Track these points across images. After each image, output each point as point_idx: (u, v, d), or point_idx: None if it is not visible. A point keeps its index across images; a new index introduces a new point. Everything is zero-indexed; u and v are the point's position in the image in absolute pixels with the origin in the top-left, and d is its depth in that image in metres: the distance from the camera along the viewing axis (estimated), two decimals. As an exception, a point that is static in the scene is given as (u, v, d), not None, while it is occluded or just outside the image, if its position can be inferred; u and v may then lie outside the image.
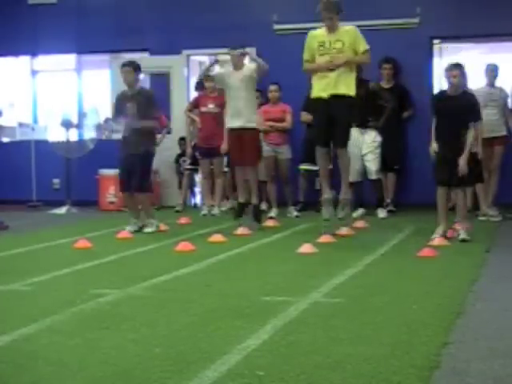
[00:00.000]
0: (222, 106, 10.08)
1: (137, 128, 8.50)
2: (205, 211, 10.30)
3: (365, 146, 9.96)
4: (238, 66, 8.75)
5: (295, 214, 10.03)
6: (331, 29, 7.62)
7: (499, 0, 10.74)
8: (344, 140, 7.69)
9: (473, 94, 8.01)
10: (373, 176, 10.02)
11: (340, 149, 7.75)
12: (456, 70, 7.55)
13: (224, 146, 9.83)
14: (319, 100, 7.67)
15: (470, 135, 7.41)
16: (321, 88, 7.66)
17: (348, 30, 7.66)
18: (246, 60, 9.02)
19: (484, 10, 10.66)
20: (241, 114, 8.55)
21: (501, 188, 9.73)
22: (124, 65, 8.76)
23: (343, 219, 7.90)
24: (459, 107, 7.40)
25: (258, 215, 8.73)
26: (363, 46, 7.61)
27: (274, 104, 10.30)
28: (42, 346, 3.79)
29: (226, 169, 11.14)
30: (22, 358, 3.58)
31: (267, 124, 10.17)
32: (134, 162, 8.43)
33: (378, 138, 9.98)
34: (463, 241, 7.31)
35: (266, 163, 10.24)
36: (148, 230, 8.50)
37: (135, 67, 8.71)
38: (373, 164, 9.97)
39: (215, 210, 10.34)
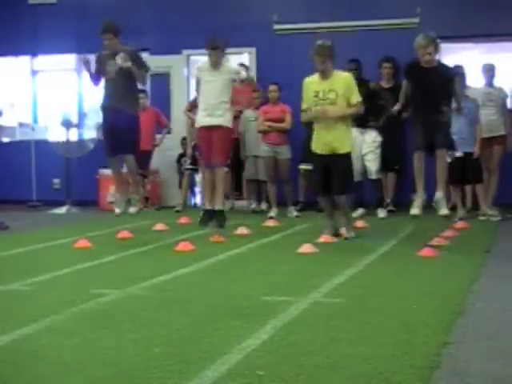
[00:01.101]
0: None
1: (122, 81, 8.30)
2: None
3: (365, 145, 9.97)
4: (216, 64, 8.17)
5: (295, 213, 10.04)
6: (324, 74, 7.40)
7: (499, 0, 10.75)
8: (341, 189, 7.48)
9: (447, 65, 8.00)
10: (373, 176, 10.03)
11: (337, 196, 7.52)
12: (431, 46, 7.59)
13: None
14: (317, 155, 7.58)
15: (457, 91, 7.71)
16: (318, 146, 7.53)
17: (343, 78, 7.46)
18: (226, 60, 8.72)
19: (484, 10, 10.67)
20: (214, 111, 8.11)
21: (501, 188, 9.74)
22: (103, 32, 8.66)
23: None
24: (435, 81, 7.41)
25: (221, 221, 8.14)
26: (355, 97, 7.44)
27: (273, 104, 10.31)
28: (41, 346, 3.79)
29: (225, 169, 11.16)
30: (22, 357, 3.58)
31: (266, 124, 10.18)
32: (118, 118, 8.24)
33: (379, 138, 9.98)
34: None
35: (266, 163, 10.25)
36: (132, 209, 8.44)
37: (114, 32, 8.67)
38: (373, 164, 9.97)
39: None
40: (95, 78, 8.73)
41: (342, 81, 7.41)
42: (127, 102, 8.36)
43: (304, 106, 7.66)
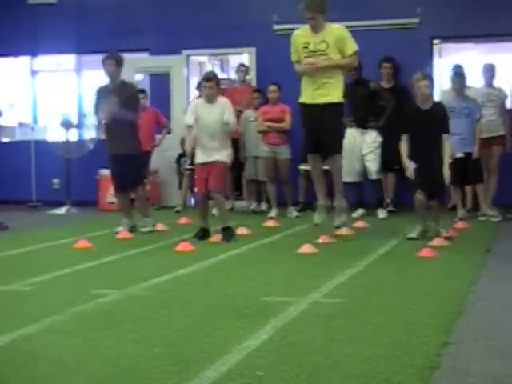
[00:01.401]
0: None
1: (120, 123, 8.20)
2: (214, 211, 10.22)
3: (365, 146, 9.96)
4: (211, 98, 7.75)
5: (295, 214, 10.03)
6: (315, 29, 7.28)
7: (499, 0, 10.75)
8: (334, 148, 7.41)
9: (443, 104, 7.88)
10: (373, 176, 10.02)
11: (331, 156, 7.45)
12: (425, 80, 7.43)
13: None
14: (307, 106, 7.43)
15: (447, 147, 7.46)
16: (308, 95, 7.40)
17: (334, 29, 7.31)
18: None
19: (484, 10, 10.67)
20: (212, 150, 7.74)
21: (501, 188, 9.73)
22: (107, 57, 8.55)
23: (340, 227, 7.76)
24: (433, 120, 7.41)
25: (230, 235, 7.71)
26: (351, 47, 7.29)
27: (273, 104, 10.30)
28: (41, 346, 3.79)
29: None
30: (22, 358, 3.58)
31: (266, 124, 10.18)
32: (123, 162, 8.27)
33: (379, 139, 9.97)
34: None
35: (266, 164, 10.25)
36: (145, 229, 8.46)
37: (118, 60, 8.52)
38: (373, 164, 9.96)
39: (215, 210, 10.35)
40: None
41: (334, 32, 7.25)
42: (129, 143, 8.33)
43: (293, 57, 7.49)
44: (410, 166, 7.40)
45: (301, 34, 7.42)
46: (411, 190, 7.65)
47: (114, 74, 8.51)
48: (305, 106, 7.45)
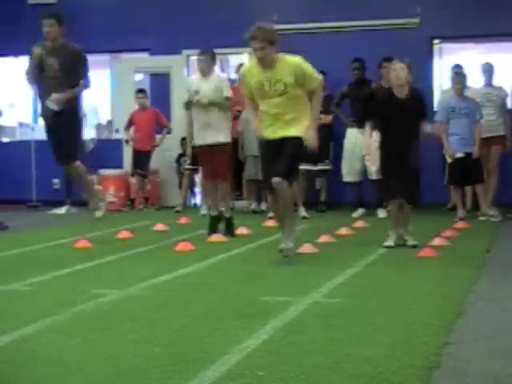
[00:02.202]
0: None
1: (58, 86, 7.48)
2: (204, 211, 10.26)
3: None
4: (206, 72, 7.94)
5: (303, 214, 9.93)
6: (264, 62, 6.16)
7: (499, 0, 10.75)
8: (281, 170, 6.08)
9: (419, 92, 7.15)
10: (373, 176, 10.01)
11: (276, 180, 6.08)
12: (401, 63, 6.93)
13: None
14: (265, 140, 6.37)
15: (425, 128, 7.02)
16: (267, 129, 6.32)
17: (289, 64, 6.14)
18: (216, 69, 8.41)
19: (484, 10, 10.67)
20: (211, 128, 7.84)
21: (501, 188, 9.73)
22: (46, 17, 7.90)
23: (285, 253, 6.35)
24: (409, 113, 6.84)
25: (231, 228, 7.97)
26: (314, 80, 6.22)
27: (273, 104, 10.28)
28: (41, 346, 3.79)
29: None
30: (22, 357, 3.58)
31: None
32: (57, 128, 7.65)
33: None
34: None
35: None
36: (98, 214, 7.84)
37: (59, 20, 7.90)
38: (374, 166, 9.93)
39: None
40: (30, 78, 7.87)
41: (289, 67, 6.11)
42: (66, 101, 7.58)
43: (245, 91, 6.56)
44: (373, 158, 7.11)
45: (252, 70, 6.37)
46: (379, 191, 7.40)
47: (55, 35, 7.86)
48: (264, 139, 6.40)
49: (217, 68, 8.37)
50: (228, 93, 8.00)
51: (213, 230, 7.88)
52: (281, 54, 6.23)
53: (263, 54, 6.14)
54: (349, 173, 10.17)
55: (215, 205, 8.06)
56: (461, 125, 9.07)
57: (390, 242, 7.05)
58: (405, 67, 6.84)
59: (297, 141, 6.16)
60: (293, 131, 6.16)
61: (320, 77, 6.32)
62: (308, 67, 6.21)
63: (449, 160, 9.24)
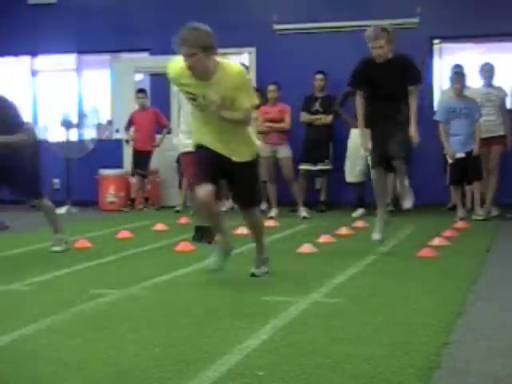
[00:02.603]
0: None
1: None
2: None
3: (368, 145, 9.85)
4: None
5: (304, 214, 9.92)
6: (195, 71, 5.10)
7: (499, 0, 10.75)
8: (249, 199, 5.54)
9: (406, 55, 6.52)
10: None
11: (246, 210, 5.58)
12: (381, 38, 6.18)
13: None
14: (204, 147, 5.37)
15: (413, 107, 6.37)
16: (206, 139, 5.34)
17: (230, 73, 5.11)
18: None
19: (484, 10, 10.67)
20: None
21: (501, 188, 9.73)
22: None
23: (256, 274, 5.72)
24: (393, 73, 6.28)
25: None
26: (248, 99, 5.17)
27: (272, 104, 10.30)
28: (41, 346, 3.79)
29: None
30: (22, 357, 3.58)
31: (266, 125, 10.17)
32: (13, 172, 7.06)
33: None
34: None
35: (266, 163, 10.24)
36: (56, 248, 7.13)
37: None
38: None
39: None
40: None
41: (229, 77, 5.09)
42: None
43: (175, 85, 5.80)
44: (364, 138, 6.61)
45: (182, 73, 5.22)
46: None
47: None
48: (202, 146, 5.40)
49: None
50: None
51: (199, 239, 7.39)
52: (222, 60, 5.18)
53: (193, 61, 5.02)
54: (351, 173, 10.16)
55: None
56: (461, 125, 9.07)
57: (376, 236, 6.70)
58: (383, 42, 6.16)
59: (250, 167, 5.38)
60: (242, 156, 5.30)
61: (256, 101, 5.33)
62: (249, 83, 5.40)
63: (450, 161, 9.24)
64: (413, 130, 6.41)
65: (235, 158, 5.28)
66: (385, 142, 6.40)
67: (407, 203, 6.76)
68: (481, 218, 9.16)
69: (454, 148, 9.17)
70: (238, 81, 5.12)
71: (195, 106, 5.26)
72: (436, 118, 9.35)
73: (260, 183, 6.08)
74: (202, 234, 7.42)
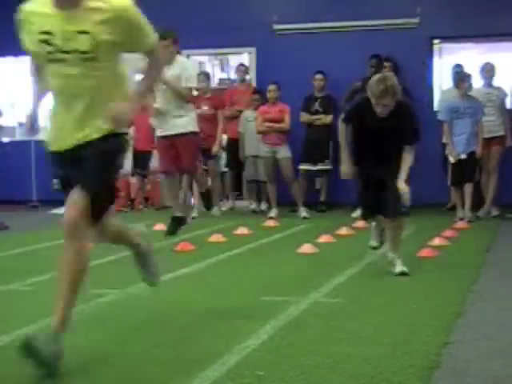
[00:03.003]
0: (216, 107, 10.10)
1: None
2: (195, 213, 10.17)
3: None
4: (167, 60, 7.19)
5: (304, 214, 9.91)
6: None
7: (499, 0, 10.75)
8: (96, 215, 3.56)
9: (408, 105, 6.06)
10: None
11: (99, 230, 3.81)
12: (387, 97, 5.44)
13: (216, 148, 9.96)
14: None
15: (407, 159, 5.66)
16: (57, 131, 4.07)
17: (106, 7, 3.45)
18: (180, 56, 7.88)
19: (484, 9, 10.67)
20: (174, 117, 7.35)
21: (501, 188, 9.73)
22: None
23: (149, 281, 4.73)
24: (392, 128, 5.58)
25: (209, 201, 7.82)
26: (150, 37, 3.75)
27: (272, 104, 10.29)
28: (42, 346, 3.78)
29: (225, 169, 11.18)
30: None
31: (265, 125, 10.16)
32: None
33: None
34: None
35: (265, 164, 10.25)
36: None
37: None
38: None
39: (215, 211, 10.37)
40: None
41: (106, 12, 3.46)
42: None
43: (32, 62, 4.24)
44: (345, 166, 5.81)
45: (37, 11, 4.00)
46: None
47: None
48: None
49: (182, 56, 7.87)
50: (191, 83, 7.63)
51: (172, 231, 7.63)
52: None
53: None
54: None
55: (178, 204, 7.79)
56: (465, 125, 9.07)
57: (373, 243, 6.21)
58: (389, 101, 5.46)
59: (104, 146, 3.59)
60: (94, 130, 3.64)
61: (155, 35, 3.71)
62: (139, 15, 3.54)
63: (452, 160, 9.21)
64: (401, 182, 5.61)
65: (90, 135, 3.70)
66: (377, 190, 5.67)
67: (399, 268, 5.70)
68: (468, 219, 9.07)
69: (458, 148, 9.15)
70: (120, 14, 3.43)
71: (48, 59, 3.67)
72: (440, 117, 9.31)
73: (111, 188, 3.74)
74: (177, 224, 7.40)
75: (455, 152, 9.14)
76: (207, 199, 7.52)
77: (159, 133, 7.75)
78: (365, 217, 6.16)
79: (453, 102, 9.30)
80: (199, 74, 10.58)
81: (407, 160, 5.64)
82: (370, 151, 5.68)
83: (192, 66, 6.98)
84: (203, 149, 10.25)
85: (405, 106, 5.80)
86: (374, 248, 6.28)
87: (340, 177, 5.97)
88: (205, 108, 10.17)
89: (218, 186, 10.74)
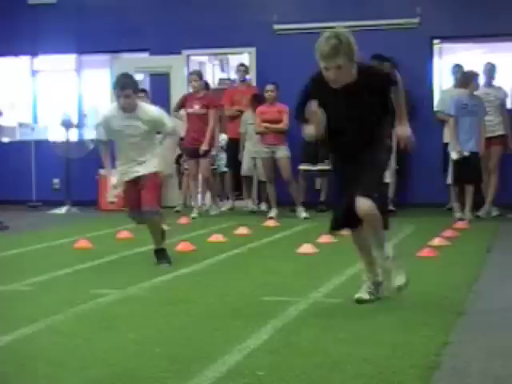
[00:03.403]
0: (207, 107, 10.09)
1: None
2: (195, 214, 10.13)
3: None
4: (128, 107, 6.18)
5: (304, 215, 9.89)
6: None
7: (499, 0, 10.75)
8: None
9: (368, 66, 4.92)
10: (386, 179, 9.81)
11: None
12: (338, 55, 4.40)
13: (204, 147, 9.93)
14: None
15: (398, 99, 4.59)
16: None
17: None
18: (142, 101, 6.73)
19: (484, 10, 10.67)
20: (138, 163, 6.27)
21: (501, 188, 9.73)
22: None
23: None
24: (356, 101, 4.50)
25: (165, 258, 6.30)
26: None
27: (270, 104, 10.27)
28: (41, 346, 3.79)
29: (225, 169, 11.18)
30: (22, 358, 3.58)
31: (264, 126, 10.15)
32: None
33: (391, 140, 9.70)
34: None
35: (264, 164, 10.24)
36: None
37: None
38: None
39: (213, 209, 10.32)
40: None
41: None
42: None
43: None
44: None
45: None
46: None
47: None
48: None
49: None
50: (169, 123, 6.47)
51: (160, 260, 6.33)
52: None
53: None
54: None
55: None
56: (471, 122, 9.08)
57: (362, 294, 4.71)
58: (342, 60, 4.42)
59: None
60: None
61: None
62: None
63: (455, 156, 9.15)
64: (402, 129, 4.66)
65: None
66: (350, 188, 4.54)
67: (398, 279, 4.63)
68: (468, 219, 9.06)
69: (462, 146, 9.13)
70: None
71: None
72: (449, 111, 9.25)
73: None
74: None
75: (459, 147, 9.11)
76: (162, 236, 6.38)
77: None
78: (333, 230, 4.91)
79: (461, 98, 9.27)
80: (191, 74, 10.62)
81: (400, 106, 4.60)
82: (340, 141, 4.64)
83: (155, 110, 6.31)
84: (194, 148, 10.25)
85: (370, 68, 4.83)
86: (362, 302, 4.66)
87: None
88: (196, 107, 10.17)
89: (216, 186, 10.74)
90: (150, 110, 6.37)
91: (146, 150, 6.27)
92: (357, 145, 4.57)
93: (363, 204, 4.43)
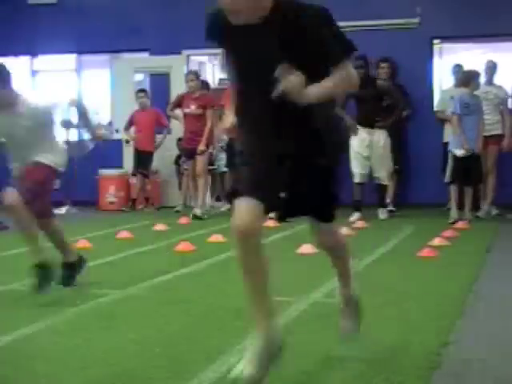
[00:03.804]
0: (204, 107, 10.09)
1: None
2: (179, 208, 10.14)
3: (374, 148, 9.66)
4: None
5: None
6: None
7: (499, 0, 10.75)
8: None
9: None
10: (385, 181, 9.78)
11: None
12: None
13: (201, 147, 9.93)
14: None
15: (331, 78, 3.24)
16: None
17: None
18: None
19: (484, 10, 10.67)
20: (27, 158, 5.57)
21: (500, 188, 9.72)
22: None
23: None
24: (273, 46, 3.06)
25: (72, 275, 5.41)
26: None
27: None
28: (41, 346, 3.79)
29: (225, 169, 11.18)
30: (22, 358, 3.58)
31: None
32: None
33: (388, 141, 9.66)
34: None
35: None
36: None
37: None
38: (383, 169, 9.67)
39: (197, 211, 10.11)
40: None
41: None
42: None
43: None
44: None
45: None
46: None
47: None
48: None
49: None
50: None
51: (40, 284, 5.15)
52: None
53: None
54: (354, 174, 9.87)
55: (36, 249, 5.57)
56: (473, 121, 9.07)
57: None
58: None
59: None
60: None
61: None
62: None
63: (461, 153, 9.06)
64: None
65: None
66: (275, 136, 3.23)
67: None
68: (468, 219, 9.06)
69: (465, 143, 9.10)
70: None
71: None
72: (454, 110, 9.23)
73: None
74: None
75: (467, 145, 9.05)
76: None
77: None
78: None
79: (464, 97, 9.25)
80: (188, 73, 10.61)
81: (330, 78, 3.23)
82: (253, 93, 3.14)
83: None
84: (191, 148, 10.24)
85: (300, 4, 3.15)
86: None
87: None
88: (193, 107, 10.16)
89: (206, 185, 10.77)
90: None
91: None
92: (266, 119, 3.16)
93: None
